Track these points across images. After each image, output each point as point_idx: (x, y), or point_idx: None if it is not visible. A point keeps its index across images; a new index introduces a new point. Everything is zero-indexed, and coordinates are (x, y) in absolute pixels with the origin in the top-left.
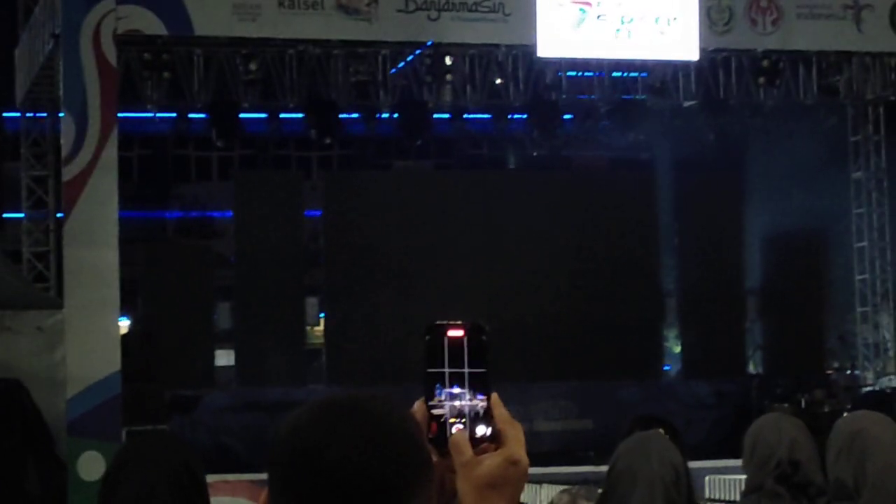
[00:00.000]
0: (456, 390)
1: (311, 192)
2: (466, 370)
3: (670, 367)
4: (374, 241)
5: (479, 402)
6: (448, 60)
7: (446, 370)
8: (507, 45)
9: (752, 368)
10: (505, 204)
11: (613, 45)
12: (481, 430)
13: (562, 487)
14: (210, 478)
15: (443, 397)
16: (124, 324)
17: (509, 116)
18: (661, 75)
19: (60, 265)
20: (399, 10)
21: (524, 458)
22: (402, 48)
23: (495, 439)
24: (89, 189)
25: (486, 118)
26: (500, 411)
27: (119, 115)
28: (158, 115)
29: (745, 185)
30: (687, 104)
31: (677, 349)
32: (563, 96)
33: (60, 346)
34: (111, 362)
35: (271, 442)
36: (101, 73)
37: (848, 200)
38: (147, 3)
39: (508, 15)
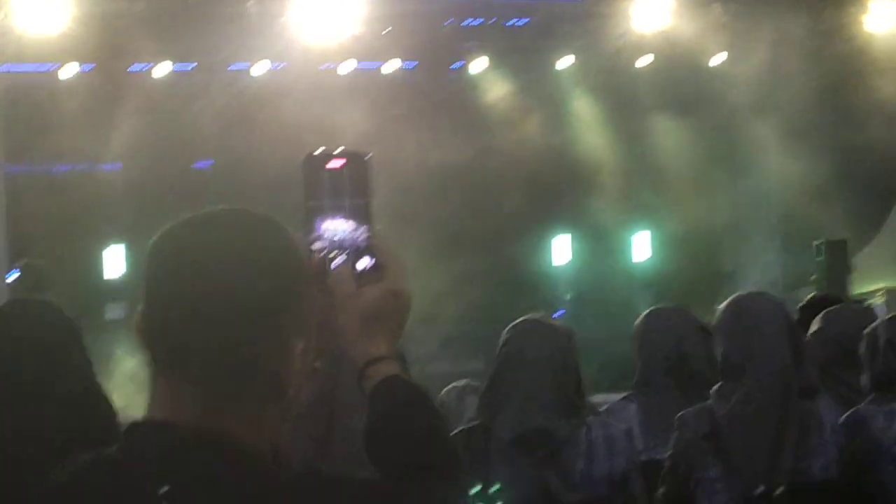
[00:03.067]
0: (337, 223)
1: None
2: (347, 201)
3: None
4: None
5: (361, 235)
6: None
7: (326, 202)
8: None
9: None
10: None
11: None
12: (363, 262)
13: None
14: None
15: (323, 231)
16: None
17: None
18: None
19: None
20: None
21: (407, 290)
22: None
23: (378, 272)
24: None
25: None
26: (382, 243)
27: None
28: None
29: None
30: None
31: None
32: None
33: None
34: None
35: (146, 253)
36: None
37: None
38: None
39: None
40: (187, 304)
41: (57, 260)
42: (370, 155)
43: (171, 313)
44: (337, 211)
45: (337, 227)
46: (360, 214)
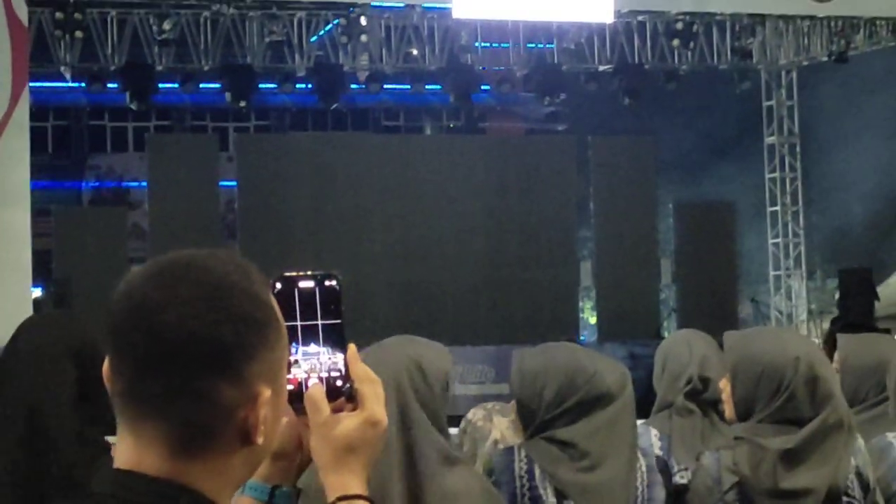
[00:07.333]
0: (312, 347)
1: (227, 163)
2: (320, 322)
3: (585, 338)
4: (289, 207)
5: (337, 358)
6: (363, 21)
7: (298, 324)
8: (422, 8)
9: (665, 331)
10: (422, 169)
11: (528, 7)
12: (338, 387)
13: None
14: None
15: (297, 353)
16: (36, 292)
17: (426, 86)
18: (575, 38)
19: None
20: None
21: (383, 418)
22: (317, 9)
23: (352, 398)
24: (0, 149)
25: (404, 89)
26: (356, 367)
27: (33, 84)
28: (72, 83)
29: (660, 149)
30: (602, 68)
31: (593, 320)
32: (482, 69)
33: None
34: None
35: (110, 303)
36: (11, 32)
37: (761, 165)
38: None
39: None
40: (149, 349)
41: (81, 275)
42: (340, 277)
43: (133, 359)
44: (311, 332)
45: (311, 350)
46: (334, 336)
